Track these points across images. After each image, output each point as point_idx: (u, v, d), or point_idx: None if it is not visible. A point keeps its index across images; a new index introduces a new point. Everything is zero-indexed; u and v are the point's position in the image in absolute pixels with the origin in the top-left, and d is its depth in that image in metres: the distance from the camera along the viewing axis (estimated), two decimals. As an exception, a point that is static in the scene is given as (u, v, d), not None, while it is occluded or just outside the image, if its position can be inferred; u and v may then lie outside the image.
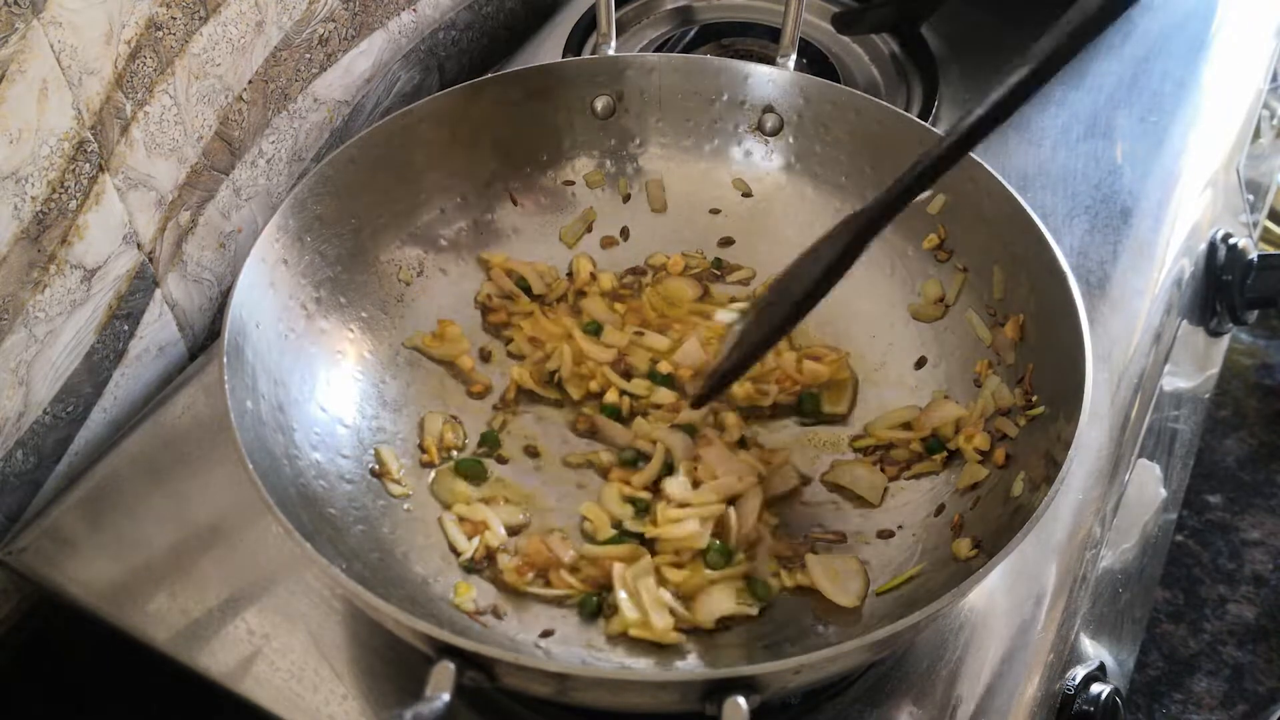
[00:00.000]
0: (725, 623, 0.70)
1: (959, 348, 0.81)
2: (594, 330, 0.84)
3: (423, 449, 0.78)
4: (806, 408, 0.80)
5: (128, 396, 0.85)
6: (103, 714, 0.82)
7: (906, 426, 0.78)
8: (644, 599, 0.69)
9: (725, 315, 0.83)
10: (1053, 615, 0.73)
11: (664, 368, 0.82)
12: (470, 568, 0.72)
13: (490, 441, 0.79)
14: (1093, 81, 1.06)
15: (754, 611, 0.70)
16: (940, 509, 0.74)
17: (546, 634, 0.70)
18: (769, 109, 0.88)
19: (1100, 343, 0.85)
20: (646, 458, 0.77)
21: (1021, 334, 0.76)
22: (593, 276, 0.87)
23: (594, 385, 0.81)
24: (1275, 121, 1.21)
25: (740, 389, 0.81)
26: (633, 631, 0.69)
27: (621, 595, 0.69)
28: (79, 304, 0.77)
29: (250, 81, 0.86)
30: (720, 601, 0.70)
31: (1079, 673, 0.75)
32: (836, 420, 0.81)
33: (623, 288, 0.87)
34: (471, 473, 0.77)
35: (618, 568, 0.71)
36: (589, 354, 0.82)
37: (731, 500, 0.74)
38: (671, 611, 0.69)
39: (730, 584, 0.71)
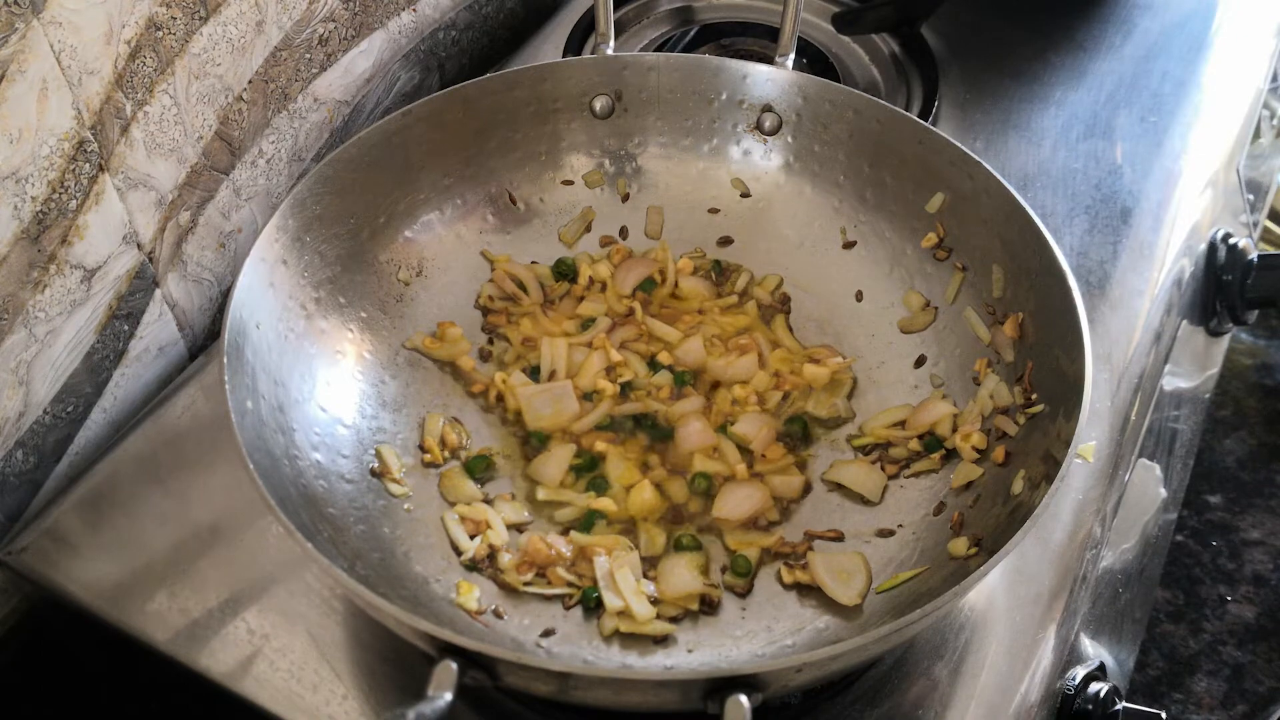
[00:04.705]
0: (708, 609, 0.71)
1: (958, 346, 0.81)
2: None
3: (424, 449, 0.78)
4: (795, 430, 0.80)
5: (128, 396, 0.85)
6: (103, 714, 0.82)
7: (902, 425, 0.79)
8: (623, 589, 0.70)
9: None
10: (1053, 615, 0.73)
11: (664, 359, 0.83)
12: (472, 566, 0.72)
13: (538, 437, 0.79)
14: (1093, 81, 1.06)
15: (717, 590, 0.71)
16: (940, 507, 0.74)
17: (548, 633, 0.70)
18: (768, 108, 0.88)
19: (1100, 343, 0.85)
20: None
21: (1021, 332, 0.76)
22: (591, 281, 0.87)
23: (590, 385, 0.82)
24: (1275, 121, 1.21)
25: (740, 391, 0.81)
26: (622, 626, 0.69)
27: (603, 585, 0.70)
28: (79, 304, 0.77)
29: (250, 81, 0.86)
30: (685, 579, 0.71)
31: (1079, 673, 0.75)
32: (827, 425, 0.81)
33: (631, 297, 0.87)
34: (480, 471, 0.77)
35: (600, 560, 0.71)
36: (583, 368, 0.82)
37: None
38: (652, 601, 0.70)
39: (693, 561, 0.72)
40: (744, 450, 0.79)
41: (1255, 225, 1.21)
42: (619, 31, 1.06)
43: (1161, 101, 1.04)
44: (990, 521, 0.69)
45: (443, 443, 0.78)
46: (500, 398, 0.81)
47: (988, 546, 0.67)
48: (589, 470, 0.77)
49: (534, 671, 0.58)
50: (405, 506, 0.75)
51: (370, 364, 0.80)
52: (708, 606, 0.71)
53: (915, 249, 0.84)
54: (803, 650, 0.68)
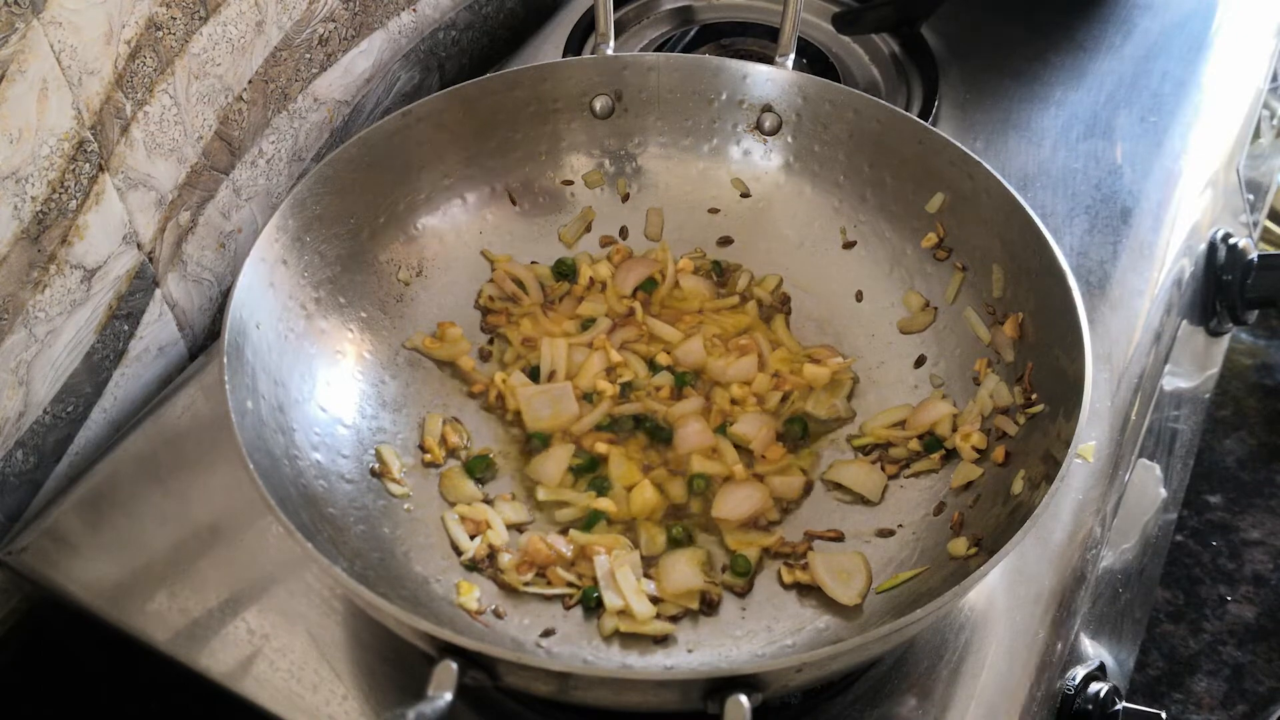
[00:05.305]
0: (708, 609, 0.71)
1: (958, 346, 0.81)
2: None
3: (424, 449, 0.78)
4: (794, 431, 0.80)
5: (128, 396, 0.85)
6: (103, 714, 0.82)
7: (902, 425, 0.79)
8: (623, 588, 0.70)
9: None
10: (1053, 615, 0.73)
11: (663, 360, 0.83)
12: (472, 566, 0.72)
13: (539, 438, 0.79)
14: (1093, 81, 1.06)
15: (717, 588, 0.71)
16: (940, 507, 0.74)
17: (548, 633, 0.70)
18: (767, 108, 0.88)
19: (1100, 343, 0.85)
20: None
21: (1021, 332, 0.76)
22: (592, 281, 0.87)
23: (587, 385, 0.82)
24: (1275, 121, 1.21)
25: (739, 391, 0.81)
26: (622, 626, 0.69)
27: (603, 584, 0.71)
28: (79, 304, 0.77)
29: (250, 81, 0.86)
30: (685, 575, 0.71)
31: (1079, 673, 0.75)
32: (827, 425, 0.81)
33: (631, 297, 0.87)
34: (480, 471, 0.77)
35: (600, 559, 0.71)
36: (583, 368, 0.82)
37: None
38: (653, 599, 0.70)
39: (693, 557, 0.72)
40: (744, 450, 0.79)
41: (1255, 225, 1.21)
42: (619, 31, 1.06)
43: (1161, 101, 1.04)
44: (990, 521, 0.69)
45: (443, 443, 0.78)
46: (500, 398, 0.81)
47: (988, 546, 0.67)
48: (589, 470, 0.77)
49: (534, 671, 0.58)
50: (405, 506, 0.75)
51: (370, 364, 0.80)
52: (708, 606, 0.71)
53: (915, 249, 0.84)
54: (803, 650, 0.68)
